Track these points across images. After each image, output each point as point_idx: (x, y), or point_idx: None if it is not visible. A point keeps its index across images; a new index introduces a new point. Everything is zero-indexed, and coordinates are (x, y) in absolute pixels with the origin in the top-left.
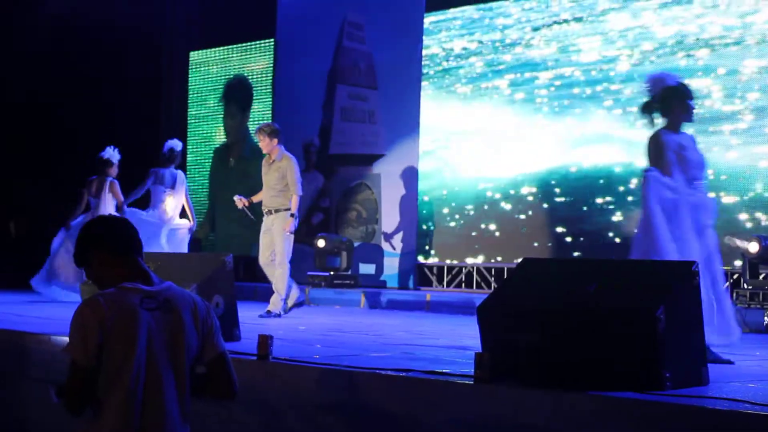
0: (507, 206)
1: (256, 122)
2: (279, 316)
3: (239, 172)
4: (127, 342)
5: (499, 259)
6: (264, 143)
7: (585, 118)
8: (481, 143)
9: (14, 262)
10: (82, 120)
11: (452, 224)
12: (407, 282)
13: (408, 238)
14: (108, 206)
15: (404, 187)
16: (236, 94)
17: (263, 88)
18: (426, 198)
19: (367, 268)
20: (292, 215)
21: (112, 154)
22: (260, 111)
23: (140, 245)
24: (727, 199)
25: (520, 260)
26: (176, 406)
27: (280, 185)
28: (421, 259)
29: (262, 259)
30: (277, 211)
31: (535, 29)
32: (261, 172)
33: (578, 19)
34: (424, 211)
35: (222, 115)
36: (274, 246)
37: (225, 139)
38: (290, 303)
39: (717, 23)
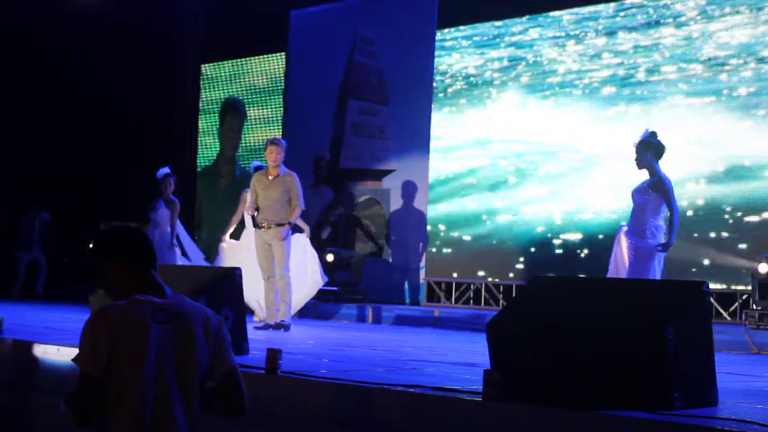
0: (518, 223)
1: (259, 137)
2: (288, 328)
3: (230, 192)
4: (137, 354)
5: (510, 275)
6: (277, 157)
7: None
8: (491, 158)
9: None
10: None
11: (461, 240)
12: (416, 297)
13: (417, 253)
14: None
15: (414, 202)
16: (232, 115)
17: (274, 101)
18: (435, 213)
19: (375, 283)
20: (288, 223)
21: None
22: (271, 124)
23: (155, 258)
24: None
25: (530, 278)
26: (185, 421)
27: (284, 199)
28: (429, 274)
29: (267, 274)
30: (278, 225)
31: (551, 44)
32: (251, 188)
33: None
34: (433, 227)
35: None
36: (275, 259)
37: (213, 160)
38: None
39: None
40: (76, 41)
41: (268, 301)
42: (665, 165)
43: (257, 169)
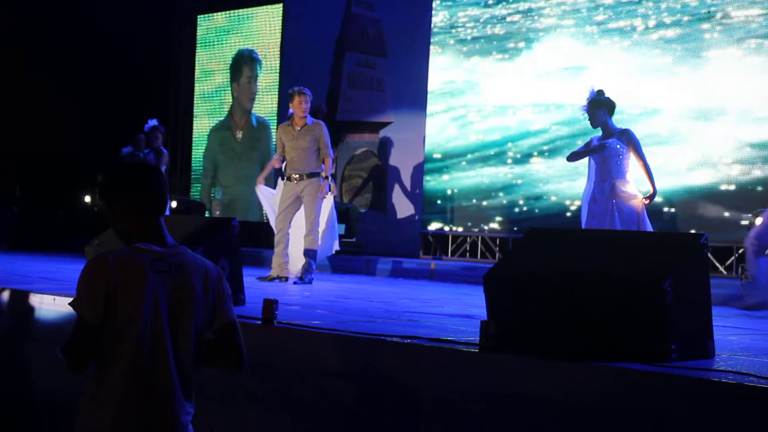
0: (515, 176)
1: (265, 89)
2: (311, 281)
3: (248, 142)
4: (133, 302)
5: (509, 228)
6: (303, 107)
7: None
8: (488, 111)
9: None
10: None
11: (458, 193)
12: (412, 250)
13: (414, 206)
14: None
15: (411, 154)
16: (244, 67)
17: (271, 52)
18: (432, 166)
19: (372, 236)
20: (326, 177)
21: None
22: (268, 76)
23: (165, 203)
24: None
25: (528, 230)
26: (177, 371)
27: (313, 148)
28: (426, 227)
29: (281, 225)
30: (309, 176)
31: None
32: (277, 140)
33: None
34: (430, 179)
35: (228, 87)
36: (304, 212)
37: (228, 111)
38: (303, 271)
39: None
40: None
41: (277, 251)
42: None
43: (153, 128)
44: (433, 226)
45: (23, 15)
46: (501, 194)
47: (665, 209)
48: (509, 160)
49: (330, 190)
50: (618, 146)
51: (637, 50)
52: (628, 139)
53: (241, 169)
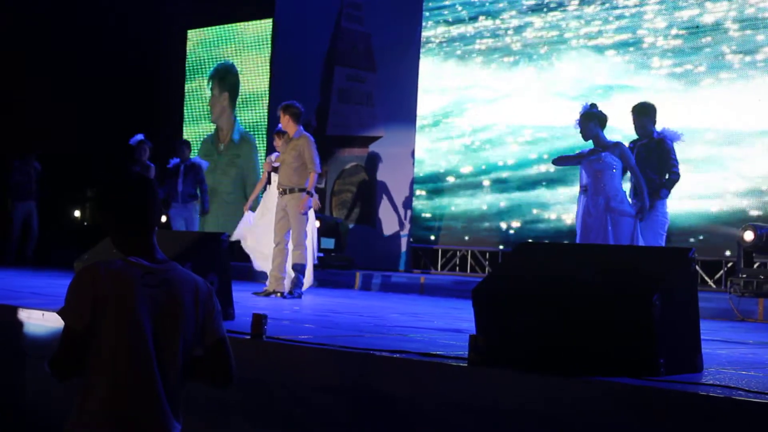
0: (506, 189)
1: (251, 105)
2: (301, 296)
3: (228, 157)
4: (121, 315)
5: (497, 244)
6: (283, 122)
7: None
8: (478, 125)
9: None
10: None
11: (447, 208)
12: (401, 264)
13: (403, 220)
14: None
15: (400, 169)
16: (224, 81)
17: (261, 67)
18: (421, 180)
19: (361, 250)
20: (308, 193)
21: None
22: (258, 91)
23: (155, 217)
24: None
25: (517, 244)
26: (163, 386)
27: (297, 163)
28: (415, 242)
29: (277, 239)
30: (291, 191)
31: (534, 11)
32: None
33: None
34: (419, 193)
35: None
36: (291, 226)
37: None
38: (292, 285)
39: None
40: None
41: (274, 266)
42: None
43: (140, 142)
44: (423, 240)
45: (23, 15)
46: (491, 208)
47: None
48: (502, 174)
49: (311, 205)
50: (611, 160)
51: (640, 70)
52: (621, 152)
53: (219, 185)
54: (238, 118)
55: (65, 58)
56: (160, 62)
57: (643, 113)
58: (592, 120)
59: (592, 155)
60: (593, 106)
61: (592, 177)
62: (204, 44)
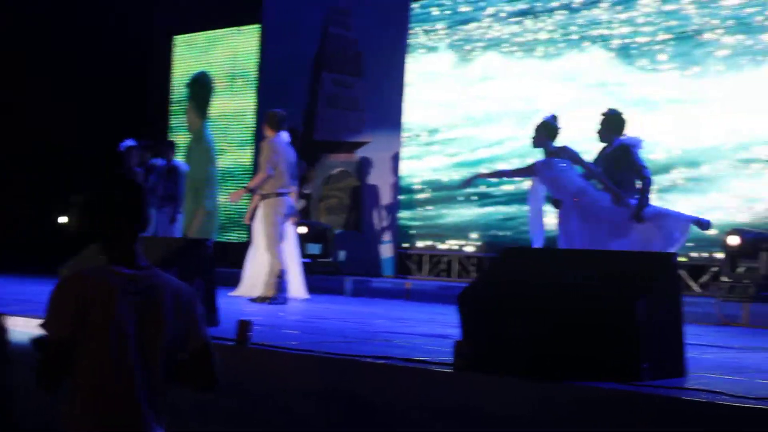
0: (493, 195)
1: (239, 111)
2: (286, 301)
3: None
4: (103, 323)
5: (483, 248)
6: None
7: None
8: (464, 130)
9: None
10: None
11: (433, 213)
12: (388, 270)
13: (390, 225)
14: None
15: (386, 174)
16: (191, 90)
17: (249, 73)
18: (407, 185)
19: (348, 255)
20: (250, 191)
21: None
22: (246, 96)
23: (140, 224)
24: None
25: (503, 249)
26: (146, 393)
27: (263, 168)
28: (401, 247)
29: (255, 243)
30: (266, 196)
31: (523, 14)
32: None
33: (565, 7)
34: (405, 199)
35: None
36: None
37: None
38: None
39: None
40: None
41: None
42: None
43: (128, 148)
44: (409, 245)
45: (23, 15)
46: (478, 214)
47: None
48: (489, 181)
49: (290, 212)
50: (557, 161)
51: (638, 75)
52: (566, 152)
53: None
54: (220, 125)
55: (67, 54)
56: (147, 67)
57: (612, 122)
58: (544, 130)
59: (541, 166)
60: (554, 117)
61: (553, 186)
62: (192, 50)
